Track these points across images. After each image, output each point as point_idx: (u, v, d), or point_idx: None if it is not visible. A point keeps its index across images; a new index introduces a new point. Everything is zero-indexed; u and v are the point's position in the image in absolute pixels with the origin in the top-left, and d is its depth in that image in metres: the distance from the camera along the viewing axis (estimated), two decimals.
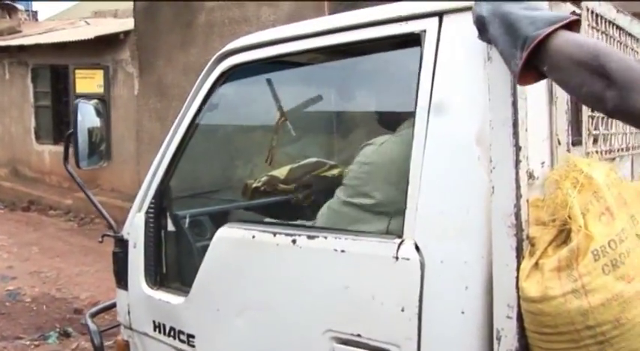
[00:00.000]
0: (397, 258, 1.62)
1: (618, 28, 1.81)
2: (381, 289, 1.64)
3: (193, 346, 2.19)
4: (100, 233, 2.89)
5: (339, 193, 2.01)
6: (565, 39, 1.05)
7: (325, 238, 1.79)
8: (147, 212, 2.42)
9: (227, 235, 2.07)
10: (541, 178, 1.50)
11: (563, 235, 1.38)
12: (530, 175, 1.46)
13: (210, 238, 2.14)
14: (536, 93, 1.48)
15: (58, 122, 12.19)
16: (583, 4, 1.59)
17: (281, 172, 2.89)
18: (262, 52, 2.10)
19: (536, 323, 1.38)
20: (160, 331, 2.32)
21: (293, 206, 2.77)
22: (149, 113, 8.63)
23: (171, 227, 2.49)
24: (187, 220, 2.58)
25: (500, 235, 1.45)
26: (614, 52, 0.99)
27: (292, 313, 1.86)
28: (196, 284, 2.16)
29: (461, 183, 1.54)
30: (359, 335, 1.68)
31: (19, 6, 16.64)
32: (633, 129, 1.93)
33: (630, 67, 0.94)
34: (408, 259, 1.60)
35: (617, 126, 1.84)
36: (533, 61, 1.12)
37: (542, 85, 1.48)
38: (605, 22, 1.73)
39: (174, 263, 2.47)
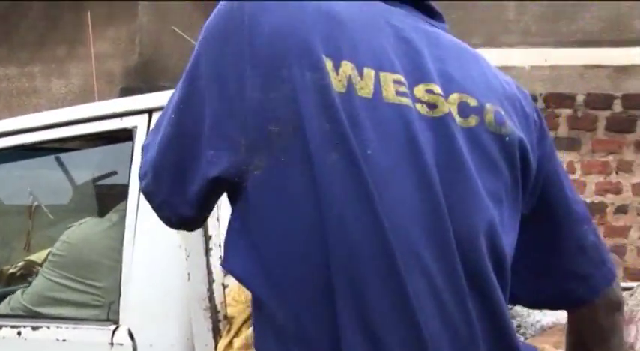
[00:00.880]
0: (112, 344, 1.69)
1: None
2: None
3: None
4: None
5: (46, 273, 2.05)
6: None
7: (48, 327, 1.82)
8: None
9: None
10: None
11: None
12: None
13: None
14: None
15: None
16: None
17: (39, 256, 2.86)
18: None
19: None
20: None
21: None
22: None
23: None
24: None
25: (197, 318, 1.58)
26: None
27: None
28: None
29: (165, 270, 1.66)
30: None
31: None
32: None
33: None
34: (121, 345, 1.68)
35: None
36: None
37: None
38: None
39: None
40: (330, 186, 0.74)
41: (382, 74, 0.79)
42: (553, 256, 0.98)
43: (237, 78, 0.79)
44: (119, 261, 1.74)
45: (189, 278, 1.58)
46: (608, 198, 4.18)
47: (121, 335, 1.69)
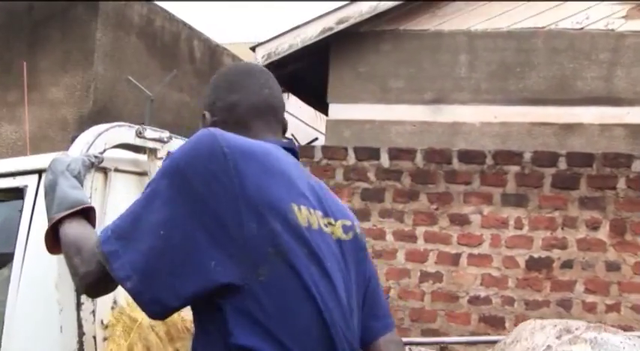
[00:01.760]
0: None
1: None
2: None
3: None
4: None
5: None
6: (69, 224, 1.29)
7: None
8: None
9: None
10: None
11: None
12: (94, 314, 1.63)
13: None
14: None
15: None
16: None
17: None
18: None
19: None
20: None
21: None
22: None
23: None
24: None
25: None
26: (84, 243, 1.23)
27: None
28: None
29: (47, 324, 1.66)
30: None
31: None
32: None
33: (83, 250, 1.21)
34: None
35: None
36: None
37: None
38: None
39: None
40: (317, 289, 1.13)
41: (314, 212, 1.19)
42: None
43: (234, 214, 1.09)
44: (2, 314, 1.74)
45: (61, 331, 1.61)
46: (555, 253, 4.27)
47: None
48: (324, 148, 4.80)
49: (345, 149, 4.64)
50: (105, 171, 1.78)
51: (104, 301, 1.63)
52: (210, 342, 1.12)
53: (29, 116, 6.56)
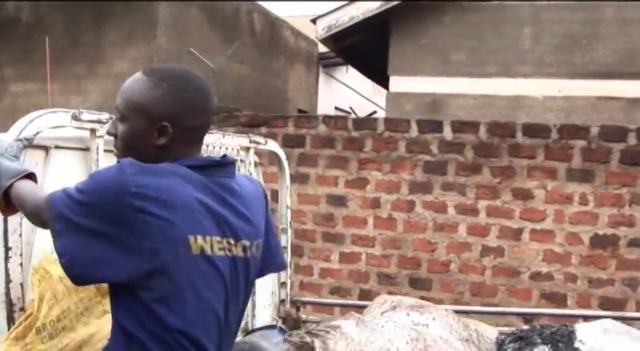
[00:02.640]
0: None
1: None
2: None
3: None
4: None
5: None
6: (17, 187, 1.55)
7: None
8: None
9: None
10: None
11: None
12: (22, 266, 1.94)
13: None
14: None
15: None
16: None
17: None
18: None
19: None
20: None
21: None
22: None
23: None
24: None
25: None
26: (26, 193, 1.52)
27: None
28: None
29: None
30: None
31: None
32: None
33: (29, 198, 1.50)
34: None
35: None
36: (10, 199, 1.58)
37: None
38: None
39: None
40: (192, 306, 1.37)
41: (209, 238, 1.37)
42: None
43: (133, 241, 1.31)
44: None
45: None
46: (621, 230, 4.18)
47: None
48: (386, 120, 4.79)
49: (408, 122, 4.61)
50: (46, 148, 2.08)
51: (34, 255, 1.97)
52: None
53: (94, 88, 6.74)
